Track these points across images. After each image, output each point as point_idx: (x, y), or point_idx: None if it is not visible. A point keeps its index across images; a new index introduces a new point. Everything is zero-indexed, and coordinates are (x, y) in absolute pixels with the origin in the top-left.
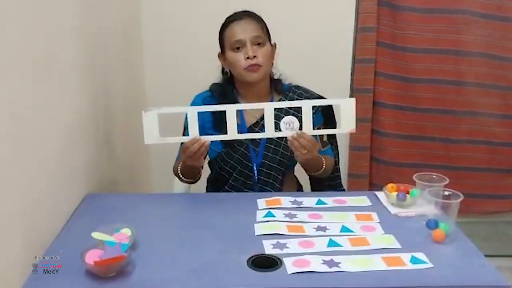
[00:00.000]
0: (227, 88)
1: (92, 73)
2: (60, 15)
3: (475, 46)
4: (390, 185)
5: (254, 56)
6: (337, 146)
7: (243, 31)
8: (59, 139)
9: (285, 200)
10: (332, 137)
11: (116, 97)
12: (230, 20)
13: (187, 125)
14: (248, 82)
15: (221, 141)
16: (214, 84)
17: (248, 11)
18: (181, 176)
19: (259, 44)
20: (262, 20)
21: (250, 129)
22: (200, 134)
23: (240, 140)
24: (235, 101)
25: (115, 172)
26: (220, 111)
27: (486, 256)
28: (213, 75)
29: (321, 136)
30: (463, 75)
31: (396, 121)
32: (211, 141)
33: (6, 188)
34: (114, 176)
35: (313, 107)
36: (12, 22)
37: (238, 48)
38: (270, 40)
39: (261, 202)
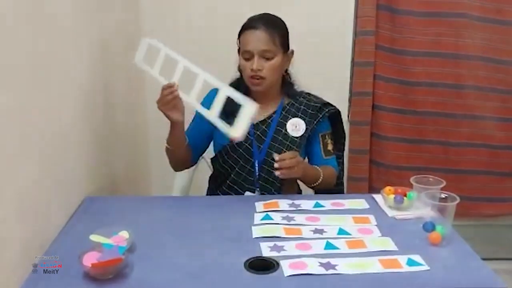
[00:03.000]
0: (241, 85)
1: (91, 75)
2: (60, 17)
3: (474, 50)
4: (387, 188)
5: (259, 69)
6: (342, 161)
7: (253, 42)
8: (58, 141)
9: (283, 203)
10: (339, 149)
11: (116, 100)
12: (248, 26)
13: (197, 113)
14: (251, 90)
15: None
16: (233, 81)
17: (267, 16)
18: (167, 146)
19: (267, 57)
20: (280, 27)
21: (256, 126)
22: (204, 127)
23: (246, 136)
24: None
25: (114, 175)
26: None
27: (486, 259)
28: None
29: (326, 145)
30: (462, 79)
31: (395, 125)
32: (218, 135)
33: (5, 190)
34: (113, 179)
35: (320, 113)
36: (11, 25)
37: (247, 57)
38: (287, 48)
39: (259, 205)
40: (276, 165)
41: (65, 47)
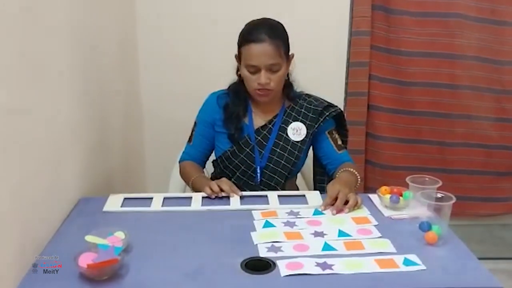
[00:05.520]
0: (240, 89)
1: (86, 76)
2: (56, 18)
3: (469, 50)
4: (383, 187)
5: (266, 83)
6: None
7: (260, 57)
8: (52, 142)
9: (281, 211)
10: (344, 142)
11: (111, 101)
12: (251, 38)
13: (199, 120)
14: (257, 101)
15: (229, 139)
16: (232, 84)
17: (268, 24)
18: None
19: (273, 70)
20: (282, 35)
21: (257, 131)
22: (210, 132)
23: (247, 141)
24: (246, 103)
25: (109, 175)
26: (232, 109)
27: (481, 258)
28: (208, 80)
29: (335, 140)
30: (457, 79)
31: (391, 125)
32: (220, 140)
33: None
34: (108, 179)
35: (321, 117)
36: (6, 26)
37: (252, 71)
38: (288, 54)
39: (256, 214)
40: (334, 212)
41: (59, 47)
